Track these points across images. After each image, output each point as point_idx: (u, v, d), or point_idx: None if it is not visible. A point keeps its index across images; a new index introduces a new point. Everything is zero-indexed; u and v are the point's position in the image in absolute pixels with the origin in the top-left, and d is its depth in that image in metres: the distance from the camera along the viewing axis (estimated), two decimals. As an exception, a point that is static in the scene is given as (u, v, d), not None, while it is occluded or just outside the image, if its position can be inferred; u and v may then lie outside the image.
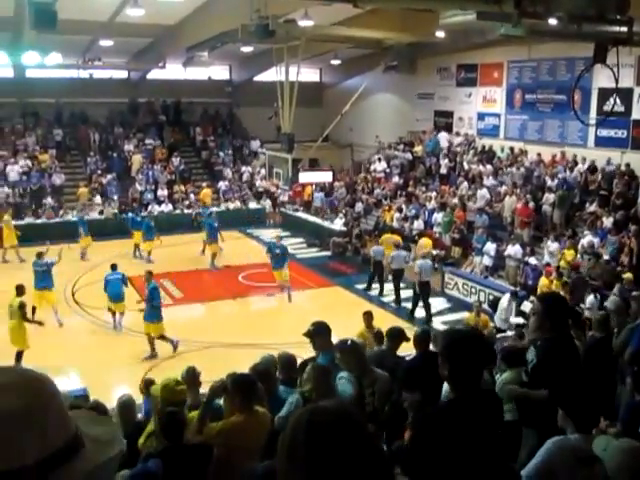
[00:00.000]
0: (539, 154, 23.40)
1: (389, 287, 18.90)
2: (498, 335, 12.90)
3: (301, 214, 28.15)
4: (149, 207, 27.21)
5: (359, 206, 26.90)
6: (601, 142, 21.79)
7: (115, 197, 27.81)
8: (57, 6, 13.62)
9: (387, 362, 7.35)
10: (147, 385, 8.46)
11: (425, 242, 20.63)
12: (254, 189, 30.69)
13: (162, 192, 28.93)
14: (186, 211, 27.47)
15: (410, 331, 8.42)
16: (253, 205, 29.50)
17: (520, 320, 13.82)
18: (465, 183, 24.34)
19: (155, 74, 31.69)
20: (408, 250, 20.42)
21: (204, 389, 6.01)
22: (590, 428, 3.91)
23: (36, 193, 27.47)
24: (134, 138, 31.53)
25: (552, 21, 11.94)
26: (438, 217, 22.75)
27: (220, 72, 34.63)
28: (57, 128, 30.97)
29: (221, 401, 5.46)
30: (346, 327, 10.84)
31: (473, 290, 18.37)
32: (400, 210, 24.43)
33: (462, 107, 27.92)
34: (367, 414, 6.08)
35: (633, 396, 6.27)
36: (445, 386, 5.35)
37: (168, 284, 19.73)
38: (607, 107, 19.14)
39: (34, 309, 15.60)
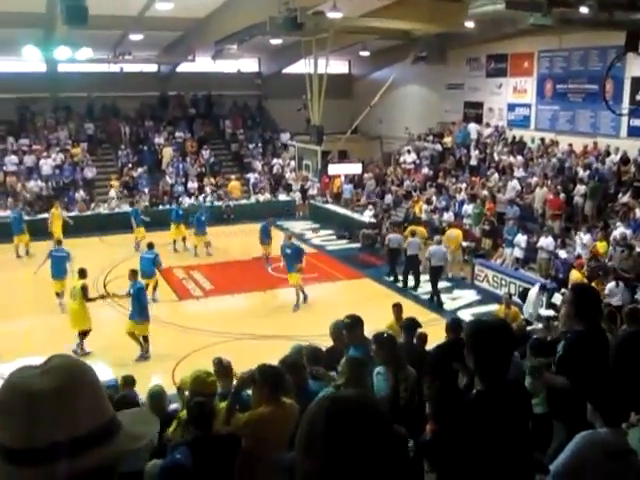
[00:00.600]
0: (570, 145, 23.13)
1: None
2: (527, 327, 12.80)
3: (330, 206, 28.13)
4: (179, 199, 27.39)
5: (388, 198, 26.82)
6: (634, 132, 21.45)
7: (146, 190, 28.04)
8: (88, 2, 13.76)
9: (407, 354, 7.34)
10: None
11: (456, 233, 20.54)
12: (283, 181, 30.75)
13: (192, 185, 29.13)
14: (216, 203, 27.59)
15: (438, 322, 8.42)
16: (283, 197, 29.56)
17: (551, 312, 13.70)
18: (495, 175, 24.14)
19: (185, 67, 31.86)
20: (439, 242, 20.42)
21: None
22: (619, 422, 3.87)
23: (68, 186, 27.80)
24: (164, 131, 31.76)
25: (583, 9, 11.81)
26: (468, 209, 22.59)
27: (249, 64, 34.72)
28: (89, 122, 31.30)
29: (250, 392, 5.51)
30: (375, 319, 10.81)
31: (503, 282, 18.24)
32: (429, 202, 24.31)
33: (492, 98, 27.69)
34: (400, 409, 6.08)
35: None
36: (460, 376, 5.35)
37: (198, 276, 19.89)
38: (640, 96, 18.88)
39: (57, 294, 16.71)
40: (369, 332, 7.29)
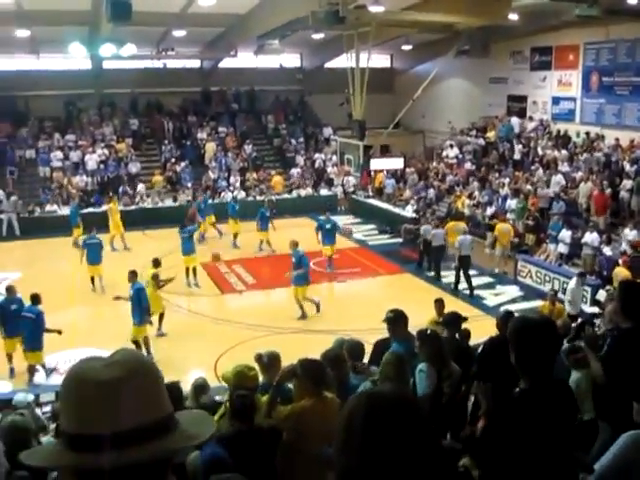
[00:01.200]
0: (617, 139, 22.70)
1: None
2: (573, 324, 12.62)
3: (372, 201, 28.04)
4: (222, 194, 27.57)
5: (431, 192, 26.66)
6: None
7: (189, 184, 28.30)
8: (132, -1, 13.96)
9: (450, 349, 7.29)
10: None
11: (509, 227, 20.42)
12: (325, 176, 30.74)
13: (234, 179, 29.31)
14: (258, 198, 27.67)
15: (480, 318, 8.35)
16: (325, 192, 29.57)
17: (595, 309, 13.50)
18: (540, 169, 23.81)
19: (227, 63, 32.04)
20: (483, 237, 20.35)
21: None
22: (667, 421, 3.79)
23: (113, 181, 28.20)
24: (207, 126, 32.00)
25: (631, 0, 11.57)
26: (512, 204, 22.32)
27: (291, 59, 34.77)
28: (133, 118, 31.69)
29: (291, 385, 5.53)
30: (417, 315, 10.76)
31: (547, 278, 18.01)
32: (471, 196, 24.09)
33: (536, 91, 27.32)
34: (443, 406, 6.04)
35: None
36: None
37: (240, 270, 20.02)
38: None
39: (92, 279, 17.92)
40: (411, 328, 7.26)
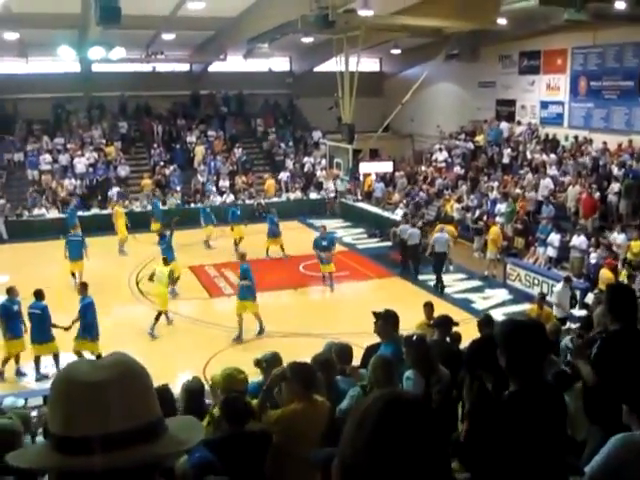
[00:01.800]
0: (605, 142, 22.81)
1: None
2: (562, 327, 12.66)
3: (361, 204, 28.06)
4: (211, 198, 27.54)
5: (421, 195, 26.69)
6: (671, 130, 21.15)
7: (178, 188, 28.25)
8: (121, 2, 13.91)
9: (439, 352, 7.26)
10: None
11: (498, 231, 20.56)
12: (314, 179, 30.75)
13: (224, 183, 29.28)
14: (247, 202, 27.64)
15: (469, 321, 8.36)
16: (314, 195, 29.57)
17: (583, 312, 13.54)
18: (529, 173, 23.89)
19: (216, 66, 32.03)
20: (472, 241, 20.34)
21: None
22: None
23: (102, 185, 28.10)
24: (196, 130, 31.96)
25: (618, 4, 11.65)
26: (501, 207, 22.38)
27: (280, 63, 34.80)
28: (122, 121, 31.63)
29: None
30: (406, 318, 10.75)
31: (536, 281, 18.07)
32: (459, 200, 24.16)
33: (525, 95, 27.43)
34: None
35: None
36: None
37: (229, 274, 19.98)
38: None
39: (73, 274, 18.42)
40: (400, 332, 7.26)
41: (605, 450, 3.70)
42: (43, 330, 12.79)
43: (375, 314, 6.96)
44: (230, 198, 27.45)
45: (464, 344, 8.42)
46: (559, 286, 15.06)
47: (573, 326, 12.76)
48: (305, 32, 23.99)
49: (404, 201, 26.34)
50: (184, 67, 33.42)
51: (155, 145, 30.70)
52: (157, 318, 15.36)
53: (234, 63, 32.06)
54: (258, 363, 6.70)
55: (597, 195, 20.62)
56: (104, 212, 25.52)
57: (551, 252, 19.39)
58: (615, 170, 21.23)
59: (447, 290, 18.54)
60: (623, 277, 15.49)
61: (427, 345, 6.75)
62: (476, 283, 19.24)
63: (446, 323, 8.24)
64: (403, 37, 27.46)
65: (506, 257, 20.00)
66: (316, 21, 19.46)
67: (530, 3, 15.13)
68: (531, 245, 20.53)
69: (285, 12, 21.36)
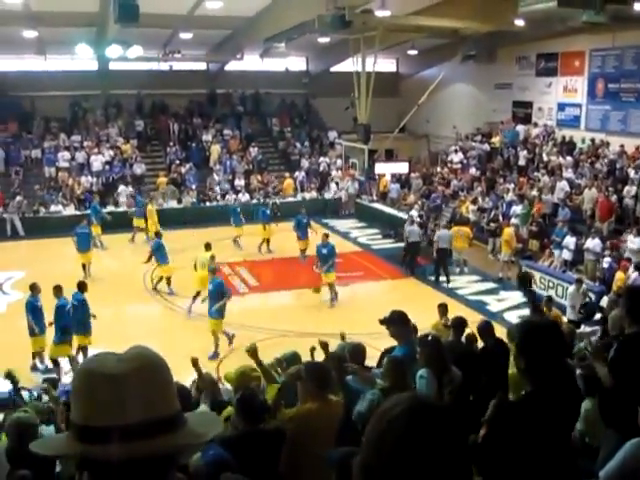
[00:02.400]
0: (622, 145, 22.67)
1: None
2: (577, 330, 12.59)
3: (376, 205, 28.03)
4: (226, 197, 27.60)
5: (437, 198, 26.61)
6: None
7: (193, 187, 28.32)
8: (139, 0, 13.98)
9: (453, 353, 7.24)
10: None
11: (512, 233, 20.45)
12: (330, 179, 30.73)
13: (239, 182, 29.33)
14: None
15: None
16: (329, 195, 29.57)
17: (598, 315, 13.47)
18: (545, 176, 23.78)
19: (233, 65, 32.11)
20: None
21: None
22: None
23: (117, 182, 28.22)
24: (212, 128, 32.03)
25: (638, 6, 11.57)
26: (517, 209, 22.27)
27: (297, 63, 34.85)
28: (138, 119, 31.75)
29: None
30: (420, 319, 10.75)
31: (551, 284, 17.97)
32: (475, 202, 24.08)
33: (542, 97, 27.32)
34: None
35: None
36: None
37: (244, 272, 20.01)
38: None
39: (84, 266, 18.93)
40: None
41: (620, 454, 3.67)
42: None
43: (382, 322, 6.87)
44: (245, 197, 27.48)
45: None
46: (572, 288, 15.05)
47: (588, 329, 12.71)
48: (322, 32, 23.99)
49: (419, 202, 26.27)
50: (201, 66, 33.51)
51: (171, 143, 30.81)
52: (195, 298, 15.87)
53: (251, 62, 32.13)
54: (279, 362, 6.73)
55: (614, 198, 20.50)
56: (119, 209, 25.62)
57: (566, 255, 19.27)
58: (632, 173, 21.10)
59: (461, 292, 18.49)
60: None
61: (441, 344, 6.74)
62: (491, 285, 19.19)
63: (461, 324, 8.24)
64: (420, 38, 27.44)
65: (521, 259, 19.92)
66: (333, 21, 19.47)
67: (549, 4, 15.03)
68: (546, 248, 20.42)
69: (302, 12, 21.38)
